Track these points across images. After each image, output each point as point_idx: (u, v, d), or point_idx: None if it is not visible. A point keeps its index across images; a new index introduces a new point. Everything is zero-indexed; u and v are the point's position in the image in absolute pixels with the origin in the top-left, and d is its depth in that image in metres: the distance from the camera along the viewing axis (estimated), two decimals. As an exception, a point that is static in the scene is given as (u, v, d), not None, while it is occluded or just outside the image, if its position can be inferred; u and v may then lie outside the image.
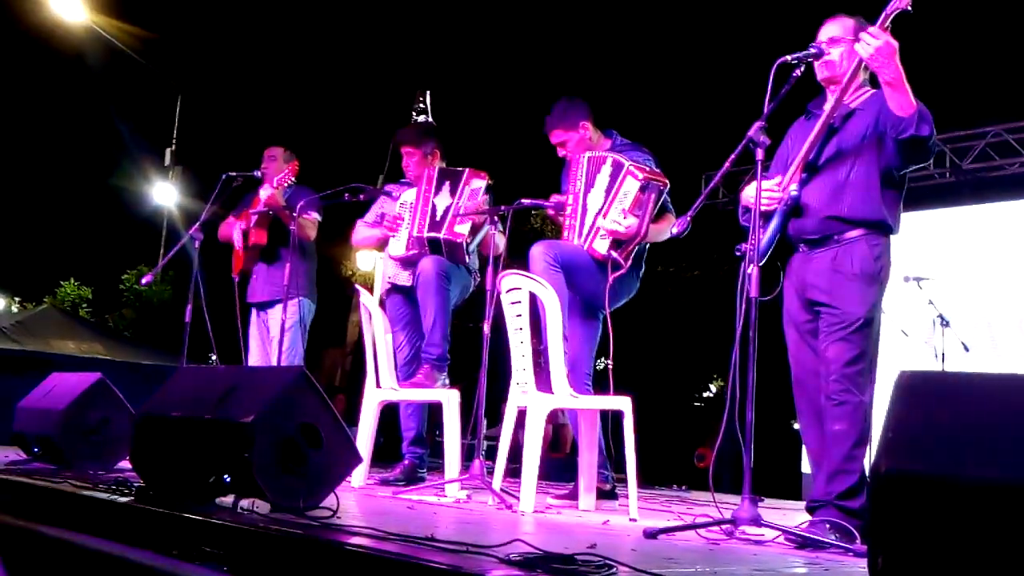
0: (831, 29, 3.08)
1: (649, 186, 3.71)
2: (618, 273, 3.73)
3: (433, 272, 4.21)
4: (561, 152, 4.10)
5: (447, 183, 4.42)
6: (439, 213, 4.36)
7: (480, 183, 4.35)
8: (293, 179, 5.08)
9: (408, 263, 4.47)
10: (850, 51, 2.96)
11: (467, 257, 4.42)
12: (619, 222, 3.70)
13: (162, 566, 2.16)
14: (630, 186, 3.71)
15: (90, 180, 18.44)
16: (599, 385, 3.91)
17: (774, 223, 3.05)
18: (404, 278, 4.51)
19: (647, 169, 3.76)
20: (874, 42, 2.75)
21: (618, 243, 3.73)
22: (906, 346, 6.60)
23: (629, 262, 3.78)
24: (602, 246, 3.73)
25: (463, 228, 4.31)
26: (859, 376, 2.90)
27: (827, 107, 3.03)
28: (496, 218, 4.01)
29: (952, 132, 8.30)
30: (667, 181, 3.78)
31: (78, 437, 3.91)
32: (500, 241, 3.97)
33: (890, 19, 2.78)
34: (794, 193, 3.03)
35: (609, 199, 3.76)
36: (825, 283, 3.00)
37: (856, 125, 3.03)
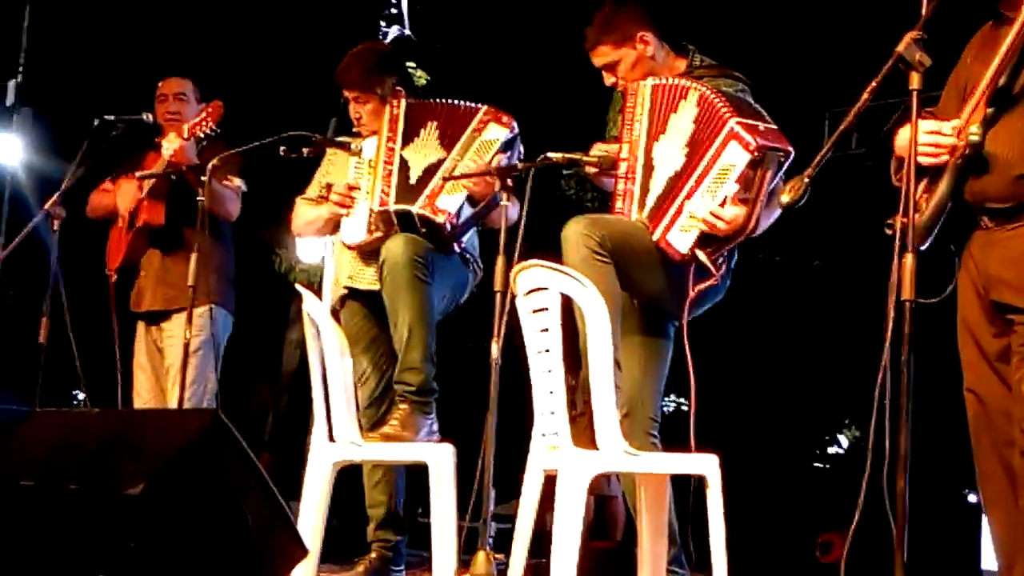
0: None
1: (765, 159, 3.61)
2: (705, 285, 3.70)
3: (403, 257, 4.17)
4: (609, 80, 4.09)
5: (431, 125, 4.44)
6: (413, 173, 4.37)
7: (501, 134, 4.34)
8: (214, 128, 5.04)
9: (371, 254, 4.45)
10: None
11: (458, 244, 4.44)
12: (717, 214, 3.62)
13: None
14: (735, 158, 3.62)
15: None
16: (670, 437, 3.90)
17: (943, 185, 3.04)
18: (367, 278, 4.50)
19: (761, 130, 3.64)
20: None
21: (708, 239, 3.69)
22: None
23: (722, 270, 3.75)
24: (683, 242, 3.67)
25: (452, 201, 4.30)
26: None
27: None
28: (509, 182, 4.01)
29: None
30: (791, 149, 3.67)
31: None
32: (513, 214, 3.98)
33: None
34: (975, 138, 3.01)
35: (696, 167, 3.72)
36: (1020, 278, 2.99)
37: None
